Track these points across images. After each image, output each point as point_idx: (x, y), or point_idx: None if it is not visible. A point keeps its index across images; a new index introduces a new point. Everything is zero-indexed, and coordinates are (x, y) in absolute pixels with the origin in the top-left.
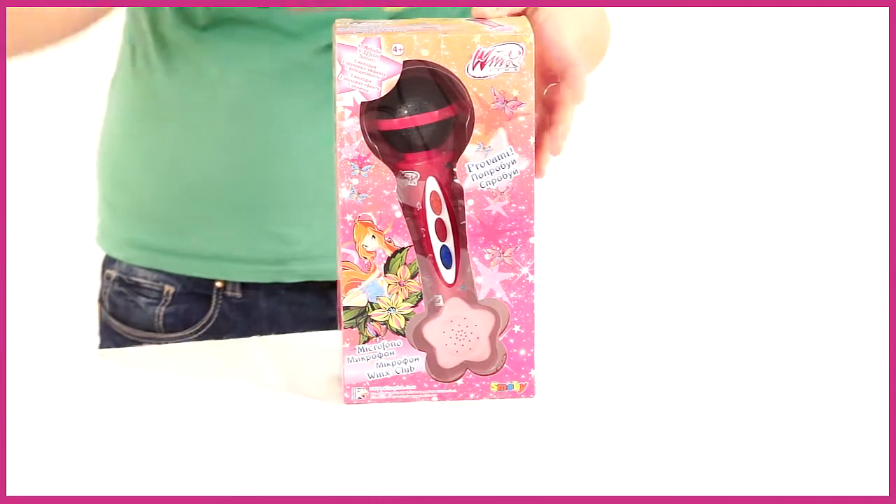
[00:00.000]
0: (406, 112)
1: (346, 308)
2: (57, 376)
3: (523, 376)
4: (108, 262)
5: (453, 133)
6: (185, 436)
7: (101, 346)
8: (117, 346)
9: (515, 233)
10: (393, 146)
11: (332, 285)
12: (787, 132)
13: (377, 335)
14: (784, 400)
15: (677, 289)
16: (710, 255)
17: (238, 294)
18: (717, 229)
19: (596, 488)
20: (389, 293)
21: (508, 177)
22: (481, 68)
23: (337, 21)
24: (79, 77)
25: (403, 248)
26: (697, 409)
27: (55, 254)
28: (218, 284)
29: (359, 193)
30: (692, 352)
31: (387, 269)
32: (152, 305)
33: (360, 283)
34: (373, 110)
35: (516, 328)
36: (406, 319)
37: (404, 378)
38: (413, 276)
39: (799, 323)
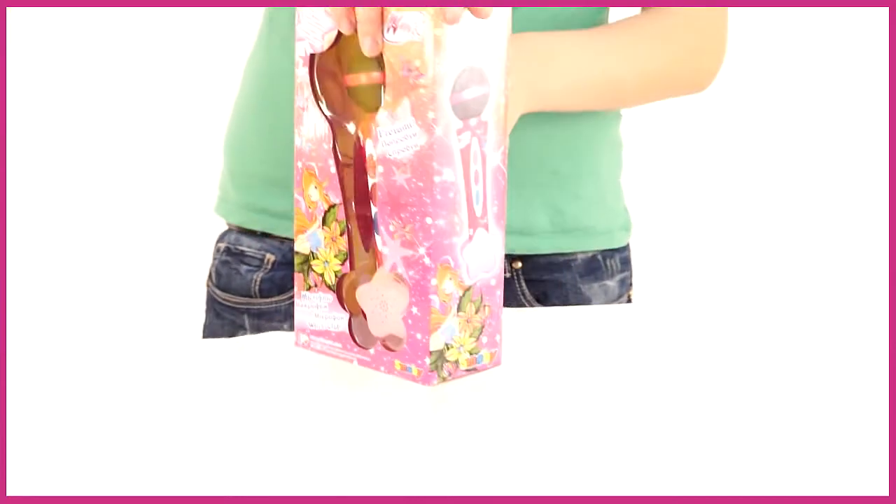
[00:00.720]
0: (369, 69)
1: (296, 253)
2: (57, 378)
3: (419, 361)
4: (221, 236)
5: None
6: (184, 435)
7: (205, 319)
8: (217, 315)
9: (414, 209)
10: (356, 103)
11: None
12: (788, 132)
13: (315, 285)
14: (784, 400)
15: (676, 288)
16: (709, 255)
17: None
18: (715, 229)
19: (596, 488)
20: (325, 247)
21: (410, 149)
22: (394, 32)
23: None
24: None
25: (335, 205)
26: (697, 408)
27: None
28: None
29: (306, 141)
30: (692, 351)
31: (324, 221)
32: (252, 272)
33: (305, 231)
34: (346, 65)
35: (414, 309)
36: (336, 276)
37: (333, 334)
38: (342, 233)
39: (799, 323)
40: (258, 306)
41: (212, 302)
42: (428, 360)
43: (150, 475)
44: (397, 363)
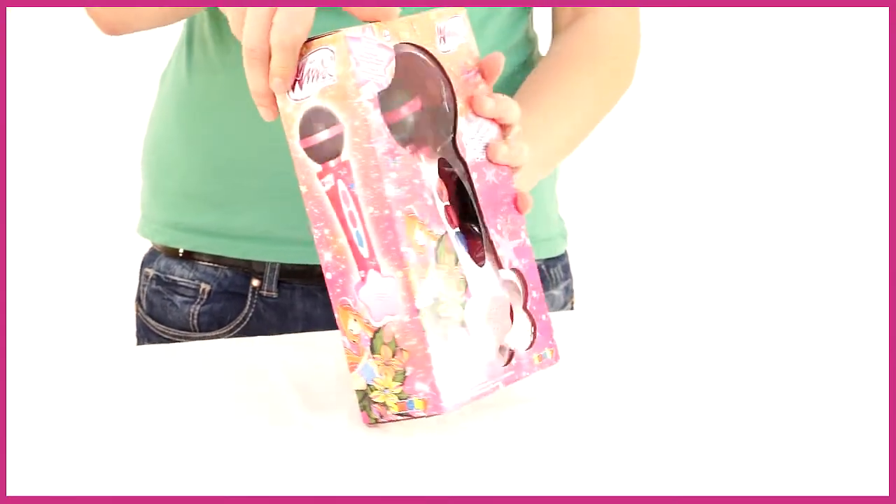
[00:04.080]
0: (403, 101)
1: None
2: (58, 378)
3: (550, 341)
4: (147, 260)
5: (438, 117)
6: (187, 436)
7: (137, 342)
8: (150, 342)
9: (508, 199)
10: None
11: None
12: (788, 132)
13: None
14: (784, 400)
15: (676, 289)
16: (710, 256)
17: (274, 294)
18: (716, 229)
19: (593, 488)
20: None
21: (484, 143)
22: (444, 42)
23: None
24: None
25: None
26: (697, 408)
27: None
28: (254, 283)
29: (395, 200)
30: (692, 351)
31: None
32: (188, 304)
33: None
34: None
35: (534, 293)
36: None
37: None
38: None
39: (799, 323)
40: (198, 340)
41: (144, 329)
42: (554, 336)
43: (148, 475)
44: (535, 357)
